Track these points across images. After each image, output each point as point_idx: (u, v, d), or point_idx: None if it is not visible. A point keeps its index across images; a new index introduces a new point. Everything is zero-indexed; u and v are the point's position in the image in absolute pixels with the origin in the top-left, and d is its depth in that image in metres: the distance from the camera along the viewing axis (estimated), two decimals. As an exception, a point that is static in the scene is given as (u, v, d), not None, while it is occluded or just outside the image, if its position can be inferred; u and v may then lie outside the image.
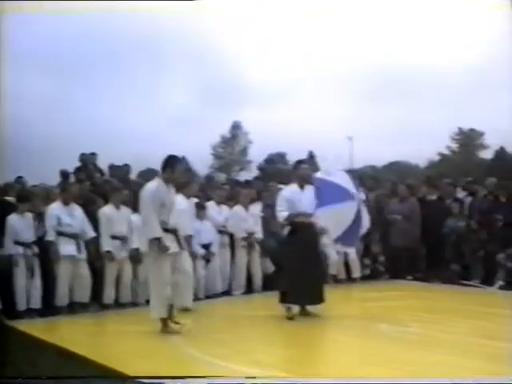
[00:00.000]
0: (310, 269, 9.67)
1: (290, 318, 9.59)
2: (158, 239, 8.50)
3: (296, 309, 9.77)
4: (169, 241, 8.61)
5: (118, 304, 11.25)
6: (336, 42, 75.92)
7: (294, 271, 9.58)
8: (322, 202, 9.53)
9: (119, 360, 7.14)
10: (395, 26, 70.25)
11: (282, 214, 9.72)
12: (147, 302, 11.27)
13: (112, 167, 14.54)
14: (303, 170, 9.88)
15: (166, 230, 8.65)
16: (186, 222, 10.46)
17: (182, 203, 10.43)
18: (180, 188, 10.30)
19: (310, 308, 9.79)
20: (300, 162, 10.11)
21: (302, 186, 9.79)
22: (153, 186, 8.73)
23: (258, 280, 12.88)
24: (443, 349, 7.76)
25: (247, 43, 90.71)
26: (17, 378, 5.27)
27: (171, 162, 8.81)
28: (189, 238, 10.80)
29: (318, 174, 9.84)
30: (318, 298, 9.74)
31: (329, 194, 9.61)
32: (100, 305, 11.15)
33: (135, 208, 11.57)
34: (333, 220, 9.64)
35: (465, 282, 13.36)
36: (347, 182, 9.84)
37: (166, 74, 79.46)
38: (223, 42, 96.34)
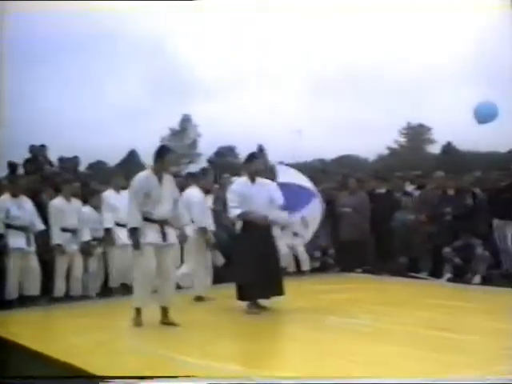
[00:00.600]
0: (268, 262, 9.68)
1: (255, 313, 9.58)
2: (136, 230, 8.47)
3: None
4: (152, 232, 8.57)
5: (68, 297, 11.17)
6: (287, 35, 76.25)
7: (250, 266, 9.55)
8: (294, 208, 9.64)
9: (71, 354, 7.11)
10: (349, 22, 70.70)
11: (234, 210, 9.70)
12: (98, 295, 11.31)
13: (62, 159, 14.45)
14: (256, 164, 9.87)
15: (152, 221, 8.61)
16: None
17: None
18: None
19: (263, 302, 9.80)
20: (252, 155, 10.09)
21: (253, 180, 9.79)
22: (140, 176, 8.72)
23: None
24: (394, 340, 7.85)
25: (198, 37, 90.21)
26: (16, 377, 5.21)
27: (162, 152, 8.81)
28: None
29: (279, 179, 9.95)
30: (279, 290, 9.77)
31: (296, 197, 9.73)
32: (50, 298, 11.05)
33: (85, 200, 11.53)
34: (306, 223, 9.76)
35: (413, 274, 13.50)
36: (304, 180, 9.95)
37: (117, 67, 79.08)
38: (174, 35, 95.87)
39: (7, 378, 5.21)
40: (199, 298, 10.59)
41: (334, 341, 7.89)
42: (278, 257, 10.20)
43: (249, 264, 9.56)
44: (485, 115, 10.65)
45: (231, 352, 7.76)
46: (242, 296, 9.70)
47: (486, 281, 12.40)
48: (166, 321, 8.73)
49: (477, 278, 12.47)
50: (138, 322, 8.65)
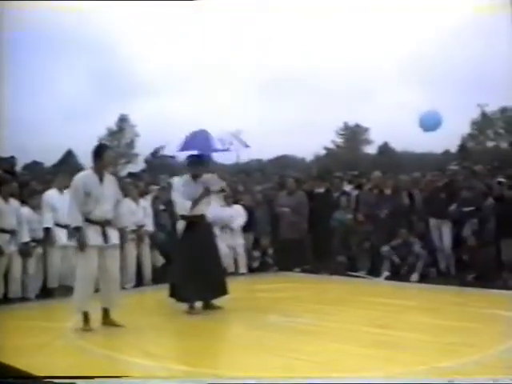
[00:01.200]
0: (206, 263, 9.65)
1: (195, 313, 9.58)
2: (78, 229, 8.36)
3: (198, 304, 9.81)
4: (93, 233, 8.46)
5: (7, 299, 11.01)
6: (230, 35, 76.06)
7: (187, 266, 9.54)
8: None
9: (13, 356, 7.03)
10: (289, 22, 70.96)
11: (184, 204, 9.65)
12: (37, 297, 11.18)
13: (-3, 159, 14.25)
14: (198, 168, 9.82)
15: (93, 222, 8.48)
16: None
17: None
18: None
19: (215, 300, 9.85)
20: (193, 156, 10.00)
21: (194, 179, 9.77)
22: (80, 175, 8.59)
23: (148, 273, 12.86)
24: (335, 338, 7.94)
25: (140, 33, 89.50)
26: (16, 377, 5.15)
27: (99, 150, 8.66)
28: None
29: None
30: (222, 290, 9.80)
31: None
32: (-12, 300, 10.87)
33: (23, 201, 11.38)
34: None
35: (352, 273, 13.63)
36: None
37: (55, 65, 77.96)
38: (114, 34, 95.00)
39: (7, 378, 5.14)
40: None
41: (276, 339, 7.94)
42: (219, 256, 10.22)
43: (186, 265, 9.58)
44: (430, 123, 10.85)
45: (173, 351, 7.79)
46: (175, 295, 9.68)
47: (423, 278, 12.59)
48: (107, 322, 8.66)
49: (414, 276, 12.66)
50: (86, 327, 8.52)
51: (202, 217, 9.79)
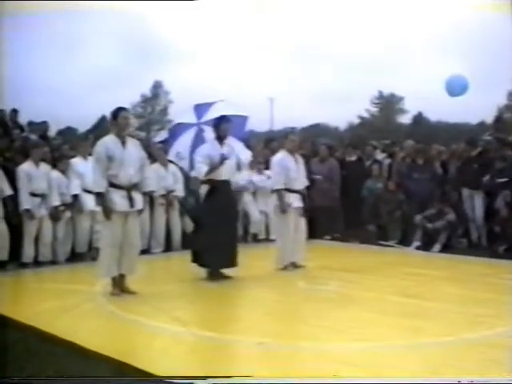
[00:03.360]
0: (226, 231, 9.64)
1: (214, 279, 9.56)
2: (101, 195, 8.32)
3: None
4: (118, 198, 8.38)
5: (37, 262, 11.10)
6: (262, 2, 75.54)
7: (210, 233, 9.51)
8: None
9: (41, 319, 7.08)
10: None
11: (201, 169, 9.57)
12: (67, 260, 11.24)
13: (31, 124, 14.32)
14: (224, 129, 9.76)
15: (118, 186, 8.40)
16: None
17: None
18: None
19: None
20: (220, 119, 9.92)
21: (221, 143, 9.70)
22: (102, 140, 8.48)
23: (177, 238, 12.89)
24: (362, 306, 7.90)
25: (173, 3, 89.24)
26: (18, 377, 5.18)
27: (114, 113, 8.51)
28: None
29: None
30: (231, 262, 9.72)
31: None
32: (19, 263, 10.96)
33: (54, 165, 11.42)
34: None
35: (382, 242, 13.57)
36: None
37: (87, 33, 78.04)
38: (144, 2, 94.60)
39: (7, 377, 5.17)
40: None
41: (304, 307, 7.94)
42: (236, 226, 10.25)
43: (208, 231, 9.57)
44: (456, 88, 10.71)
45: (200, 317, 7.80)
46: (198, 262, 9.71)
47: (454, 249, 12.50)
48: (124, 288, 8.63)
49: (437, 247, 12.60)
50: (114, 291, 8.53)
51: (223, 182, 9.71)
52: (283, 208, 10.35)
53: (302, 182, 10.60)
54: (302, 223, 10.69)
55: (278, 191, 10.43)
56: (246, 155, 10.15)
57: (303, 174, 10.70)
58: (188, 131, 10.52)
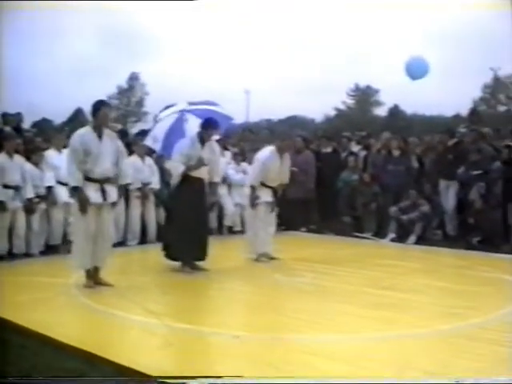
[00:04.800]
0: (196, 223, 9.60)
1: (188, 272, 9.53)
2: (77, 189, 8.22)
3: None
4: (92, 191, 8.28)
5: (11, 255, 11.00)
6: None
7: (180, 224, 9.51)
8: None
9: (14, 312, 7.03)
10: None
11: (177, 168, 9.59)
12: (41, 253, 11.17)
13: (4, 115, 14.21)
14: (210, 132, 9.72)
15: (93, 180, 8.30)
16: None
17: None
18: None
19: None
20: (210, 122, 9.86)
21: (202, 143, 9.66)
22: (78, 133, 8.35)
23: (152, 230, 12.85)
24: (338, 298, 7.94)
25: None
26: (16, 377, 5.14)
27: (96, 106, 8.37)
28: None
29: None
30: (202, 255, 9.68)
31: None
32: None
33: (28, 157, 11.33)
34: None
35: (357, 234, 13.61)
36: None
37: (63, 24, 77.47)
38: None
39: (7, 377, 5.14)
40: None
41: (278, 298, 7.95)
42: (208, 219, 10.27)
43: (178, 223, 9.58)
44: (416, 71, 10.68)
45: (174, 309, 7.78)
46: (168, 254, 9.71)
47: (428, 241, 12.57)
48: (97, 280, 8.55)
49: (412, 238, 12.68)
50: (88, 284, 8.45)
51: (198, 179, 9.69)
52: (252, 202, 10.45)
53: (278, 181, 10.62)
54: (272, 217, 10.86)
55: (251, 187, 10.49)
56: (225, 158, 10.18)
57: (285, 175, 10.74)
58: (169, 118, 10.51)
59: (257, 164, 10.56)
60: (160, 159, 12.51)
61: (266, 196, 10.50)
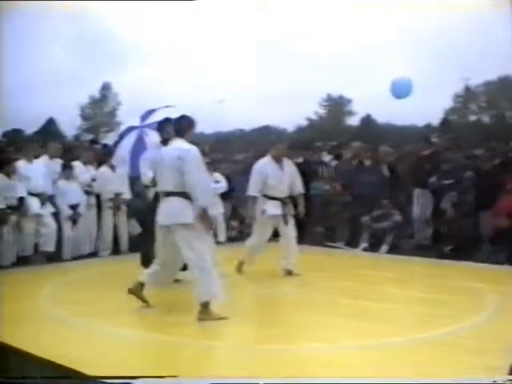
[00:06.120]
0: None
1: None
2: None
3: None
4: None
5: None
6: (214, 4, 75.42)
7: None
8: None
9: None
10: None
11: (146, 175, 9.44)
12: (13, 264, 11.09)
13: (-27, 126, 14.15)
14: (168, 131, 9.65)
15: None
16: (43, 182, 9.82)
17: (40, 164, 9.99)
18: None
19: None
20: (164, 122, 9.82)
21: (164, 145, 9.58)
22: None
23: (124, 241, 12.78)
24: (312, 308, 7.95)
25: (125, 3, 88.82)
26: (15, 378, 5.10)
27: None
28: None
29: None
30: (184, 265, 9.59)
31: None
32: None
33: (-1, 167, 11.27)
34: None
35: (330, 243, 13.61)
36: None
37: (35, 32, 77.11)
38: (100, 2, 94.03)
39: (7, 378, 5.10)
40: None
41: (251, 309, 7.92)
42: None
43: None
44: (402, 90, 10.80)
45: (146, 320, 7.73)
46: (146, 265, 9.59)
47: (401, 250, 12.62)
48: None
49: (384, 248, 12.77)
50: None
51: None
52: (252, 215, 10.37)
53: (283, 190, 10.34)
54: (288, 230, 10.50)
55: (252, 198, 10.32)
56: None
57: (287, 182, 10.42)
58: (130, 134, 10.45)
59: (253, 173, 10.43)
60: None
61: (272, 209, 10.24)
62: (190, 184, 7.34)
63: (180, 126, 7.79)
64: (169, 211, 7.48)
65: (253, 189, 10.30)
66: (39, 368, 5.51)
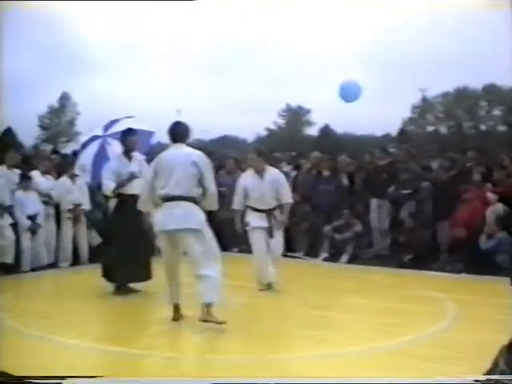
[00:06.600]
0: (136, 245, 9.41)
1: (120, 293, 9.40)
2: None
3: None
4: None
5: None
6: (174, 14, 75.34)
7: (119, 248, 9.36)
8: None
9: None
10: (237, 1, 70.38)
11: (108, 186, 9.42)
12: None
13: None
14: (131, 141, 9.64)
15: None
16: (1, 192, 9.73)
17: None
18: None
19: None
20: (127, 132, 9.80)
21: (129, 157, 9.59)
22: None
23: (84, 252, 12.68)
24: (271, 319, 7.98)
25: (89, 12, 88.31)
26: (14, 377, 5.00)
27: None
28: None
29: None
30: (145, 275, 9.56)
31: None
32: None
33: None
34: None
35: (289, 253, 13.61)
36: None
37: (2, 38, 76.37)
38: (60, 9, 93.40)
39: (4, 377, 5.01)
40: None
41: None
42: (147, 239, 10.07)
43: (118, 245, 9.41)
44: (349, 93, 10.85)
45: (107, 332, 7.72)
46: (107, 276, 9.54)
47: (360, 260, 12.69)
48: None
49: (344, 258, 12.87)
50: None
51: (132, 196, 9.21)
52: (237, 227, 10.32)
53: (267, 201, 10.06)
54: (273, 242, 10.17)
55: (237, 211, 10.27)
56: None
57: (269, 192, 10.04)
58: (92, 144, 10.42)
59: (235, 187, 10.40)
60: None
61: (256, 221, 10.03)
62: (206, 188, 7.52)
63: (177, 133, 7.75)
64: (178, 216, 7.40)
65: (236, 202, 10.23)
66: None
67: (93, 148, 10.37)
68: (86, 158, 10.38)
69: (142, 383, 5.26)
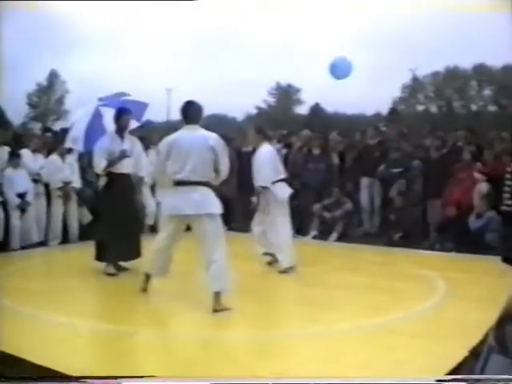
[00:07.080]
0: (126, 223, 9.37)
1: (111, 274, 9.35)
2: None
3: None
4: None
5: None
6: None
7: (109, 226, 9.30)
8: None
9: None
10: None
11: (99, 164, 9.33)
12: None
13: None
14: (124, 120, 9.60)
15: None
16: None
17: None
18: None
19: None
20: (121, 110, 9.76)
21: (121, 136, 9.55)
22: None
23: (74, 230, 12.66)
24: (261, 296, 8.02)
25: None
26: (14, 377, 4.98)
27: None
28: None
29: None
30: (135, 253, 9.51)
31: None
32: None
33: None
34: None
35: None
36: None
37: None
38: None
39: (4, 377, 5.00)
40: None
41: (199, 297, 7.90)
42: (138, 217, 10.04)
43: (107, 224, 9.37)
44: (339, 70, 10.80)
45: (99, 310, 7.71)
46: (99, 256, 9.50)
47: (350, 238, 12.72)
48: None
49: (333, 236, 12.91)
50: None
51: (123, 175, 9.44)
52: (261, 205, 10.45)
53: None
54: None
55: (264, 188, 10.28)
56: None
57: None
58: (85, 114, 10.36)
59: (263, 161, 10.44)
60: (83, 158, 12.34)
61: (283, 191, 10.32)
62: (219, 171, 7.53)
63: (190, 113, 7.59)
64: (197, 200, 7.39)
65: (263, 179, 10.28)
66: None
67: (85, 118, 10.31)
68: (78, 129, 10.31)
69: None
